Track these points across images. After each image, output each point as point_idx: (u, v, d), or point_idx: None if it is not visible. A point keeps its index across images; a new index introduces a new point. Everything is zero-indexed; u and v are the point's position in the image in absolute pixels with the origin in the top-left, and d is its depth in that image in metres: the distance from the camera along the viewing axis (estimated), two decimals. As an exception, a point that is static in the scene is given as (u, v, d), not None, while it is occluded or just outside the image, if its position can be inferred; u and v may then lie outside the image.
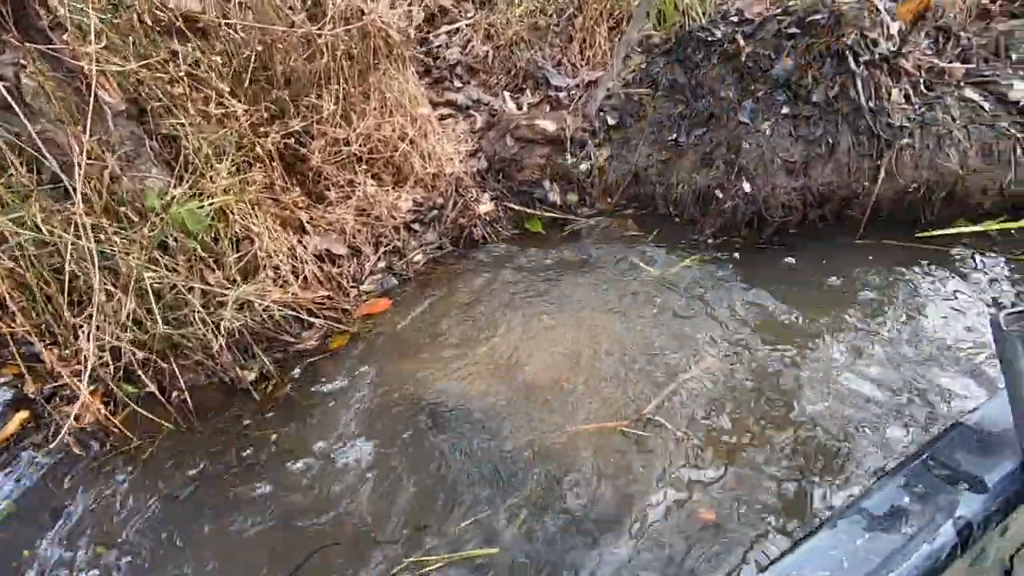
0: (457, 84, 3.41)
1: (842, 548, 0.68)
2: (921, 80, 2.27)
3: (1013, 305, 0.79)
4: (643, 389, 1.80)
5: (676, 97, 2.63)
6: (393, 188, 2.48)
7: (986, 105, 2.30)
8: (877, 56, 2.18)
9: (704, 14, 3.14)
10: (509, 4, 3.53)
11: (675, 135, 2.56)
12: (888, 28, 2.19)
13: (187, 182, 1.84)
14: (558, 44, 3.37)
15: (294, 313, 2.06)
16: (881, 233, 2.33)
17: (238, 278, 1.94)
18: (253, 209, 2.04)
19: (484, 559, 1.42)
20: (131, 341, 1.78)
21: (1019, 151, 2.26)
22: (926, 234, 2.29)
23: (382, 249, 2.36)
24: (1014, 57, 2.46)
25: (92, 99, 1.51)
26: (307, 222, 2.22)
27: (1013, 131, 2.27)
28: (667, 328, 2.02)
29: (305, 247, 2.20)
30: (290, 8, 2.01)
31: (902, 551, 0.68)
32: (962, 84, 2.36)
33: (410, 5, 3.64)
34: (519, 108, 3.07)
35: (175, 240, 1.83)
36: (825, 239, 2.35)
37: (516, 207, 2.61)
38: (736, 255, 2.30)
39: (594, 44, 3.36)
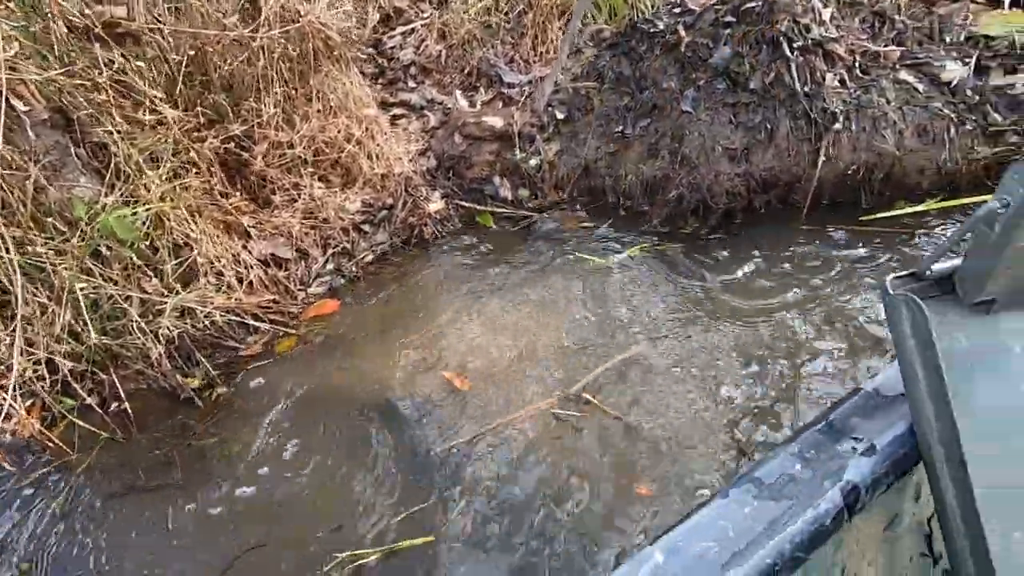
0: (411, 84, 3.41)
1: (730, 517, 0.68)
2: (856, 64, 2.31)
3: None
4: (574, 375, 1.83)
5: (622, 89, 2.65)
6: (341, 190, 2.47)
7: (920, 87, 2.35)
8: (810, 42, 2.22)
9: (652, 6, 3.18)
10: (464, 3, 3.53)
11: (622, 127, 2.58)
12: (820, 14, 2.23)
13: (119, 190, 1.82)
14: (510, 41, 3.38)
15: (239, 318, 2.05)
16: (825, 217, 2.36)
17: (177, 285, 1.93)
18: (193, 215, 2.03)
19: (420, 548, 1.43)
20: (67, 353, 1.76)
21: (953, 131, 2.31)
22: (869, 217, 2.33)
23: (330, 251, 2.36)
24: (948, 39, 2.51)
25: (3, 107, 1.49)
26: (252, 227, 2.21)
27: (947, 111, 2.32)
28: (606, 316, 2.04)
29: (250, 252, 2.18)
30: (221, 12, 1.99)
31: (785, 517, 0.68)
32: (897, 67, 2.40)
33: (363, 6, 3.64)
34: (472, 106, 3.08)
35: (109, 249, 1.81)
36: (770, 224, 2.38)
37: (467, 204, 2.62)
38: (681, 243, 2.32)
39: (546, 40, 3.38)
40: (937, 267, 0.77)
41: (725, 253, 2.26)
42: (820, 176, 2.30)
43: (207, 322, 1.96)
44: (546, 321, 2.05)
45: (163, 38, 1.87)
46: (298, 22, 2.18)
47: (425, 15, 3.79)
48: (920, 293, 0.76)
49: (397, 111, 3.19)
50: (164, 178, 1.92)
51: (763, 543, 0.66)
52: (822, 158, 2.27)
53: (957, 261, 0.78)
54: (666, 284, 2.15)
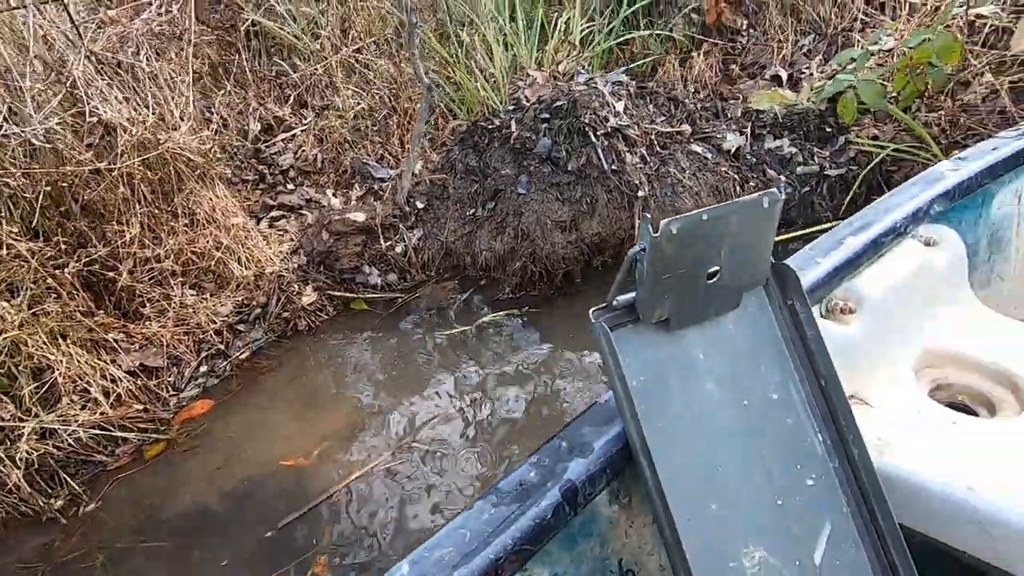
0: (291, 187, 3.66)
1: (470, 525, 0.75)
2: (653, 142, 2.77)
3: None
4: (401, 431, 2.09)
5: (471, 178, 3.01)
6: (213, 294, 2.62)
7: (709, 155, 2.83)
8: (610, 129, 2.66)
9: (502, 101, 3.64)
10: (338, 110, 3.88)
11: (473, 210, 2.91)
12: (614, 107, 2.69)
13: (-28, 324, 1.91)
14: (379, 141, 3.74)
15: (105, 432, 2.11)
16: (653, 269, 2.74)
17: (37, 408, 1.99)
18: (56, 338, 2.11)
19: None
20: (-85, 491, 1.77)
21: (739, 188, 2.79)
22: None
23: (204, 354, 2.47)
24: (728, 115, 3.06)
25: None
26: (120, 341, 2.30)
27: (732, 173, 2.80)
28: (445, 379, 2.32)
29: (119, 365, 2.27)
30: (75, 149, 2.18)
31: (512, 518, 0.76)
32: (690, 141, 2.89)
33: (243, 119, 3.92)
34: (347, 202, 3.35)
35: (-38, 381, 1.87)
36: (607, 280, 2.72)
37: (339, 294, 2.82)
38: (526, 308, 2.62)
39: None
40: (622, 298, 0.92)
41: (564, 310, 2.59)
42: (638, 235, 2.69)
43: (71, 440, 2.01)
44: (392, 389, 2.30)
45: (15, 180, 2.03)
46: (157, 149, 2.40)
47: (306, 120, 4.12)
48: (613, 321, 0.92)
49: (276, 213, 3.41)
50: (22, 307, 2.02)
51: (490, 541, 0.74)
52: (637, 221, 2.67)
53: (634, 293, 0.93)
54: (508, 346, 2.43)
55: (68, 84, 2.22)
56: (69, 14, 2.19)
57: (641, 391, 0.89)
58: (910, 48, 2.63)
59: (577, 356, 2.32)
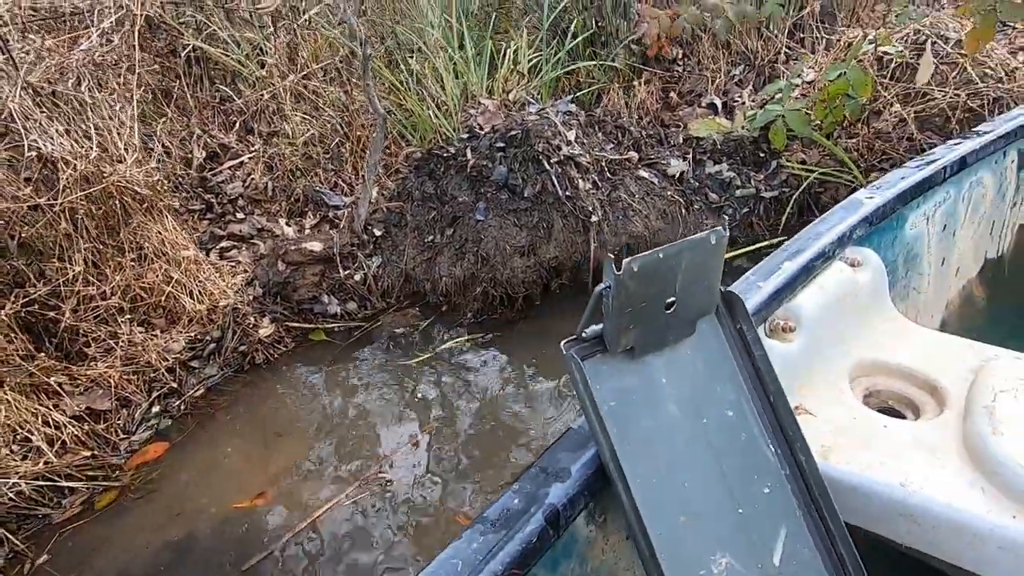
0: (240, 216, 3.58)
1: (460, 555, 0.78)
2: (604, 169, 2.90)
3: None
4: (365, 464, 2.09)
5: (429, 205, 3.04)
6: (164, 331, 2.53)
7: (656, 180, 2.99)
8: (563, 157, 2.77)
9: (455, 129, 3.71)
10: (287, 137, 3.84)
11: (432, 236, 2.94)
12: (566, 136, 2.80)
13: (-103, 374, 1.77)
14: (332, 168, 3.72)
15: (51, 482, 1.99)
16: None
17: (-27, 461, 1.86)
18: (-8, 385, 1.99)
19: None
20: None
21: (685, 211, 2.95)
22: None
23: (155, 394, 2.37)
24: (671, 142, 3.24)
25: None
26: (63, 384, 2.18)
27: (677, 197, 2.97)
28: (408, 408, 2.33)
29: (63, 411, 2.15)
30: (12, 184, 2.08)
31: (500, 545, 0.80)
32: (638, 167, 3.05)
33: (187, 146, 3.80)
34: (300, 231, 3.31)
35: None
36: (566, 302, 2.82)
37: (297, 324, 2.78)
38: (488, 333, 2.67)
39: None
40: (589, 330, 0.98)
41: (525, 333, 2.65)
42: (595, 258, 2.80)
43: (11, 494, 1.89)
44: (356, 421, 2.28)
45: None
46: (102, 183, 2.31)
47: (253, 148, 4.04)
48: (583, 351, 0.98)
49: (226, 243, 3.32)
50: (-46, 353, 1.89)
51: (481, 569, 0.76)
52: (593, 244, 2.78)
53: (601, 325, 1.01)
54: (471, 372, 2.47)
55: (3, 117, 2.12)
56: (3, 44, 2.10)
57: (611, 416, 0.95)
58: (829, 81, 2.89)
59: (540, 380, 2.38)
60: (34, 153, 2.14)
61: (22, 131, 2.12)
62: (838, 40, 3.73)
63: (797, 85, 3.37)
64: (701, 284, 1.04)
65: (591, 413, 0.94)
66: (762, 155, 3.21)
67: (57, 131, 2.22)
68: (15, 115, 2.14)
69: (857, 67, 2.78)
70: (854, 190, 3.08)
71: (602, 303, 0.96)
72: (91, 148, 2.32)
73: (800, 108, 2.99)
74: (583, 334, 0.99)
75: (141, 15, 2.88)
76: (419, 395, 2.38)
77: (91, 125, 2.39)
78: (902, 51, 3.07)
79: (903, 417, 1.26)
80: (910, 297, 1.69)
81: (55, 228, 2.21)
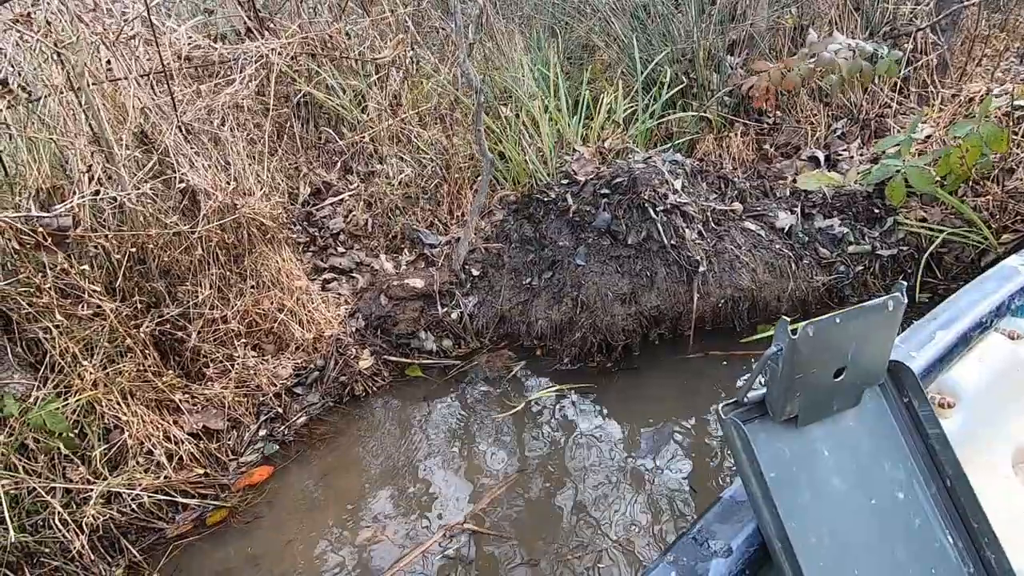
0: (341, 250, 3.73)
1: None
2: (709, 219, 2.84)
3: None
4: (454, 510, 2.03)
5: (527, 247, 3.07)
6: (273, 356, 2.62)
7: (762, 233, 2.89)
8: (669, 205, 2.73)
9: (549, 174, 3.77)
10: (386, 177, 4.02)
11: (529, 279, 2.95)
12: (672, 184, 2.78)
13: (52, 382, 1.91)
14: (429, 208, 3.85)
15: (167, 497, 2.06)
16: (710, 344, 2.74)
17: (105, 471, 1.95)
18: (125, 398, 2.10)
19: None
20: (-21, 557, 1.71)
21: (794, 265, 2.83)
22: (746, 340, 2.73)
23: (263, 417, 2.45)
24: (777, 194, 3.15)
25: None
26: (183, 401, 2.29)
27: (786, 251, 2.85)
28: (501, 454, 2.27)
29: (181, 427, 2.25)
30: (162, 212, 2.26)
31: None
32: (743, 218, 2.96)
33: (295, 183, 4.05)
34: (397, 267, 3.41)
35: (36, 441, 1.84)
36: (663, 355, 2.72)
37: (395, 359, 2.82)
38: (585, 381, 2.60)
39: (461, 205, 3.87)
40: (752, 395, 0.96)
41: (623, 384, 2.56)
42: (697, 310, 2.71)
43: (134, 505, 1.96)
44: (459, 467, 2.24)
45: (107, 240, 2.09)
46: (235, 214, 2.47)
47: (353, 186, 4.25)
48: (743, 416, 0.95)
49: (328, 275, 3.46)
50: (98, 366, 2.03)
51: None
52: (696, 295, 2.70)
53: (764, 390, 0.97)
54: (568, 422, 2.39)
55: (160, 152, 2.32)
56: (169, 89, 2.33)
57: (773, 487, 0.89)
58: (956, 136, 2.74)
59: (642, 435, 2.28)
60: (183, 184, 2.32)
61: (175, 164, 2.31)
62: (954, 95, 3.56)
63: (914, 140, 3.22)
64: (872, 353, 0.99)
65: (754, 484, 0.90)
66: (876, 211, 3.05)
67: (204, 165, 2.40)
68: (170, 150, 2.34)
69: (991, 122, 2.62)
70: (983, 252, 2.89)
71: (773, 366, 0.92)
72: (228, 181, 2.50)
73: (922, 164, 2.84)
74: (745, 399, 0.96)
75: (279, 64, 3.13)
76: (514, 442, 2.32)
77: (230, 161, 2.58)
78: (1039, 106, 2.88)
79: None
80: None
81: (191, 254, 2.37)
